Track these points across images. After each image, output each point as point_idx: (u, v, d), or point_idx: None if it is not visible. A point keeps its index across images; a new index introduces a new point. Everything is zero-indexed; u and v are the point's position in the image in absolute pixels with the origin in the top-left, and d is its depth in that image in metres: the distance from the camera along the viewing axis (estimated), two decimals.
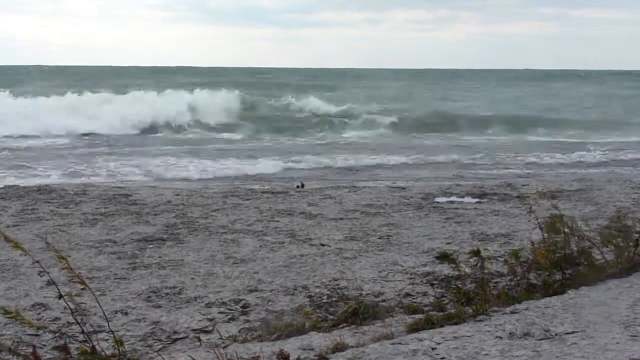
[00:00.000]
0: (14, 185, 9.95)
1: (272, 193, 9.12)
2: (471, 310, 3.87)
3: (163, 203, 8.23)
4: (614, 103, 36.01)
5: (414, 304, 4.51)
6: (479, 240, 6.20)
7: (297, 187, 10.00)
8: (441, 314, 3.96)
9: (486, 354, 3.16)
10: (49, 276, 3.15)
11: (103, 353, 3.09)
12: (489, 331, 3.49)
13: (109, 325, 3.40)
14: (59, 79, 49.48)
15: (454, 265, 4.09)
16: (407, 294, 4.79)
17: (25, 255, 5.03)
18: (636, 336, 3.26)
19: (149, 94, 29.84)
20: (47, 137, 21.47)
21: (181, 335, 4.14)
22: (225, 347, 3.67)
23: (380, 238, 6.42)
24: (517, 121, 26.48)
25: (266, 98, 33.47)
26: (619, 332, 3.32)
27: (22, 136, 21.50)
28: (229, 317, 4.42)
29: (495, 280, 4.89)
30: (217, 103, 28.79)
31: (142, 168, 14.57)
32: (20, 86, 34.49)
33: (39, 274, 3.04)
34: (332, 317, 4.20)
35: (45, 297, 4.71)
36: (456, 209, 7.89)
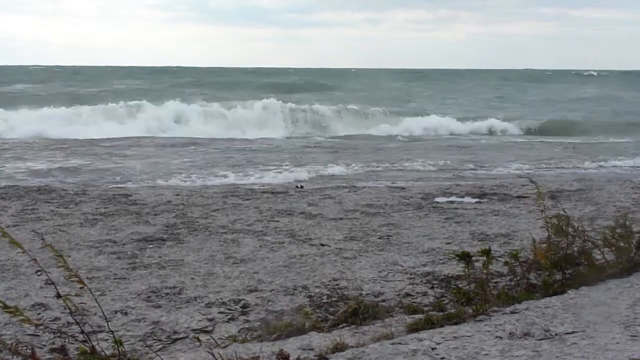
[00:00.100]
0: (14, 185, 9.95)
1: (272, 193, 9.12)
2: (471, 310, 3.87)
3: (163, 203, 8.23)
4: None
5: (414, 304, 4.51)
6: (479, 241, 6.20)
7: (297, 187, 10.01)
8: (441, 314, 3.96)
9: (486, 354, 3.16)
10: (47, 275, 3.15)
11: (103, 353, 3.09)
12: (489, 331, 3.49)
13: (108, 326, 3.40)
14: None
15: (466, 266, 4.07)
16: (407, 294, 4.78)
17: (25, 255, 5.03)
18: (636, 336, 3.25)
19: None
20: None
21: (181, 336, 4.13)
22: (225, 347, 3.67)
23: (380, 238, 6.42)
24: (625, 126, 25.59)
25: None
26: (619, 332, 3.32)
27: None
28: (228, 317, 4.42)
29: (495, 280, 4.89)
30: None
31: None
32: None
33: (36, 272, 3.04)
34: (332, 317, 4.20)
35: (45, 297, 4.71)
36: (456, 209, 7.89)
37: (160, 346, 3.99)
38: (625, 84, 57.47)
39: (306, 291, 4.86)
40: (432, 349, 3.28)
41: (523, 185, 9.47)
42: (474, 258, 4.19)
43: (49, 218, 7.39)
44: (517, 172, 13.68)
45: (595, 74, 79.29)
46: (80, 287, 2.95)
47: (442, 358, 3.16)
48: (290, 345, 3.58)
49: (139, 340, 4.05)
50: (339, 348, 3.42)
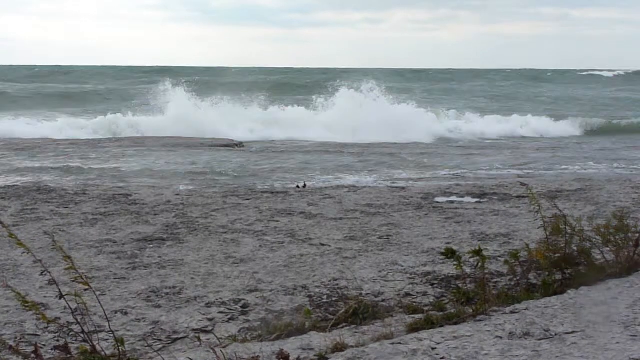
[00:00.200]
0: (14, 185, 9.96)
1: (272, 193, 9.12)
2: (471, 310, 3.88)
3: (163, 203, 8.24)
4: None
5: (414, 303, 4.51)
6: (479, 240, 6.20)
7: (298, 187, 10.01)
8: (441, 313, 3.97)
9: (486, 354, 3.16)
10: (50, 276, 3.16)
11: (103, 353, 3.09)
12: (488, 331, 3.49)
13: (109, 325, 3.41)
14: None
15: (457, 263, 4.08)
16: (407, 294, 4.79)
17: (24, 255, 5.03)
18: (636, 336, 3.26)
19: None
20: None
21: (181, 335, 4.13)
22: (225, 347, 3.67)
23: (380, 238, 6.43)
24: None
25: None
26: (618, 332, 3.33)
27: None
28: (228, 317, 4.42)
29: (495, 280, 4.89)
30: None
31: None
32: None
33: (41, 273, 3.04)
34: (332, 317, 4.20)
35: (45, 297, 4.71)
36: (456, 208, 7.89)
37: (160, 346, 3.99)
38: None
39: (306, 291, 4.86)
40: (432, 348, 3.29)
41: (523, 185, 9.46)
42: (468, 257, 4.19)
43: (48, 218, 7.39)
44: None
45: (610, 75, 78.11)
46: (86, 289, 2.96)
47: (442, 358, 3.16)
48: (290, 345, 3.58)
49: (139, 340, 4.05)
50: (339, 348, 3.43)
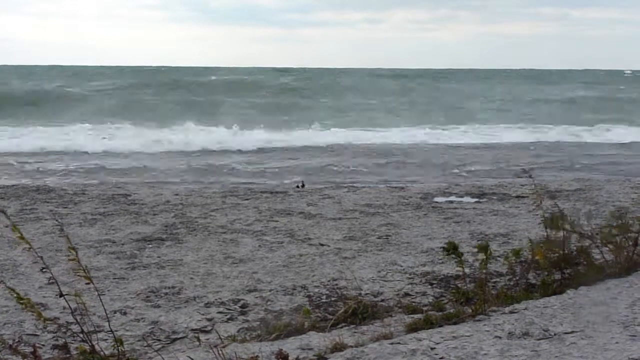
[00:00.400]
0: (13, 185, 9.95)
1: (271, 193, 9.12)
2: (470, 310, 3.87)
3: (162, 203, 8.24)
4: None
5: (413, 303, 4.51)
6: (478, 240, 6.20)
7: (297, 186, 10.00)
8: (440, 313, 3.97)
9: (485, 354, 3.16)
10: (50, 272, 3.16)
11: (102, 352, 3.09)
12: (488, 331, 3.49)
13: (109, 325, 3.40)
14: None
15: (458, 260, 4.07)
16: (406, 294, 4.79)
17: (24, 255, 5.04)
18: (635, 336, 3.26)
19: None
20: None
21: (180, 335, 4.13)
22: (224, 346, 3.66)
23: (379, 238, 6.43)
24: None
25: None
26: (618, 332, 3.33)
27: None
28: (228, 317, 4.42)
29: (494, 280, 4.89)
30: None
31: None
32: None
33: (41, 270, 3.05)
34: (331, 316, 4.20)
35: (44, 296, 4.71)
36: (455, 208, 7.89)
37: (160, 346, 3.99)
38: None
39: (305, 291, 4.86)
40: (431, 348, 3.28)
41: (522, 185, 9.47)
42: (470, 254, 4.19)
43: (48, 218, 7.39)
44: None
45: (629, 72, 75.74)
46: (87, 283, 2.97)
47: (441, 358, 3.16)
48: (290, 345, 3.58)
49: (138, 340, 4.05)
50: (338, 348, 3.42)
